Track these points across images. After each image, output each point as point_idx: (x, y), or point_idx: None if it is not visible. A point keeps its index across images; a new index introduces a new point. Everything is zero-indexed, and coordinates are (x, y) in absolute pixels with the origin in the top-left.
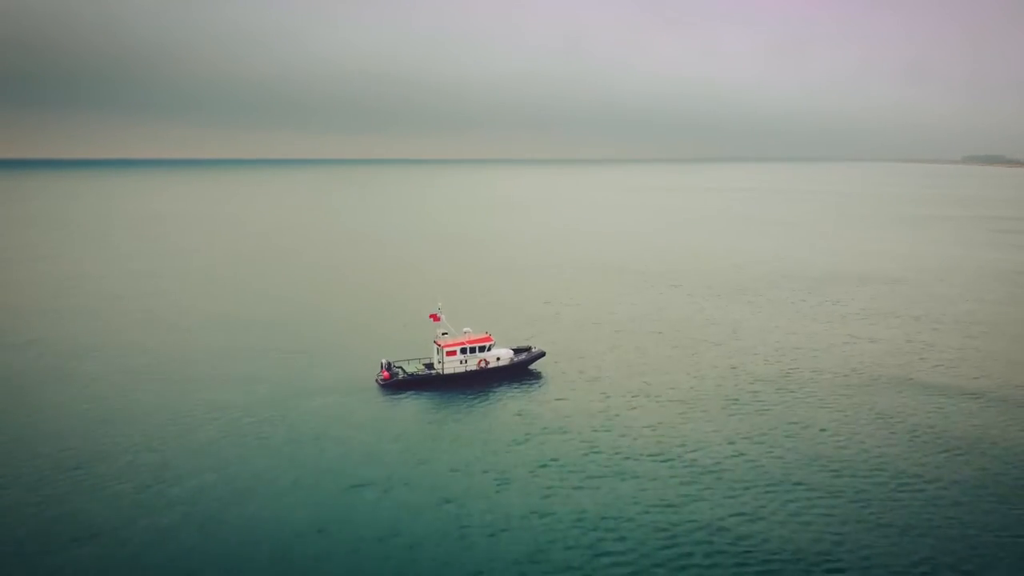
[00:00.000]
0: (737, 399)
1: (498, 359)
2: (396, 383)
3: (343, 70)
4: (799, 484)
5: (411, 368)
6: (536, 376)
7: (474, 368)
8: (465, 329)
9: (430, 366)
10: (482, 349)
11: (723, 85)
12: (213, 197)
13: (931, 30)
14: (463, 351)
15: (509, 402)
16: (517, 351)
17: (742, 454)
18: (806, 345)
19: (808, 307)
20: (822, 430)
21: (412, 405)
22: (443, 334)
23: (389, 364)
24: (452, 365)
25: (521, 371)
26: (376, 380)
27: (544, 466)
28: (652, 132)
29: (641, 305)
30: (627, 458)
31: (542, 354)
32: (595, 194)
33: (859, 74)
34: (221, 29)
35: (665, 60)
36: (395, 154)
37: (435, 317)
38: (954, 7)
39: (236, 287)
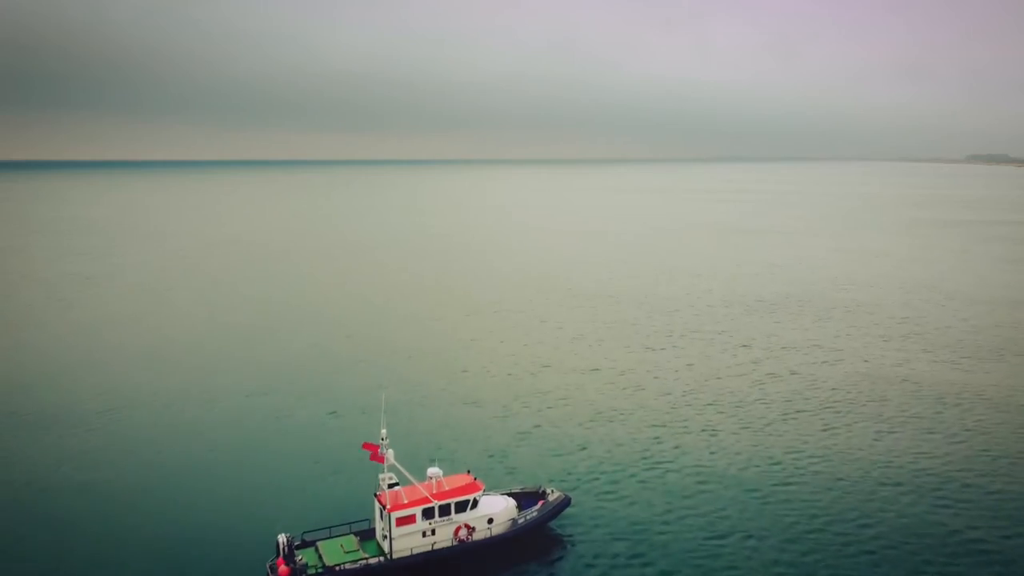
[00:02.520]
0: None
1: (491, 522)
2: None
3: (335, 70)
4: None
5: (332, 554)
6: (557, 544)
7: (449, 543)
8: (430, 472)
9: (368, 535)
10: (462, 507)
11: (721, 85)
12: (156, 207)
13: (933, 29)
14: (427, 514)
15: None
16: (521, 498)
17: None
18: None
19: (910, 368)
20: None
21: None
22: (391, 485)
23: (290, 544)
24: (408, 541)
25: (532, 535)
26: (268, 573)
27: None
28: (649, 132)
29: (681, 374)
30: None
31: (566, 503)
32: (595, 197)
33: (859, 74)
34: (213, 29)
35: (662, 60)
36: (386, 155)
37: (374, 451)
38: (957, 6)
39: (97, 349)
